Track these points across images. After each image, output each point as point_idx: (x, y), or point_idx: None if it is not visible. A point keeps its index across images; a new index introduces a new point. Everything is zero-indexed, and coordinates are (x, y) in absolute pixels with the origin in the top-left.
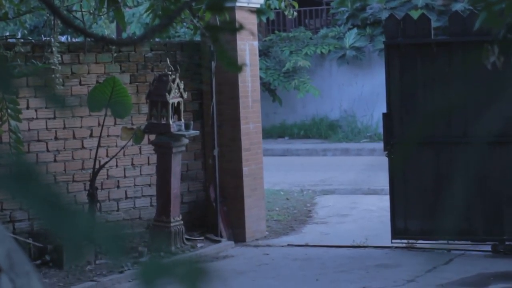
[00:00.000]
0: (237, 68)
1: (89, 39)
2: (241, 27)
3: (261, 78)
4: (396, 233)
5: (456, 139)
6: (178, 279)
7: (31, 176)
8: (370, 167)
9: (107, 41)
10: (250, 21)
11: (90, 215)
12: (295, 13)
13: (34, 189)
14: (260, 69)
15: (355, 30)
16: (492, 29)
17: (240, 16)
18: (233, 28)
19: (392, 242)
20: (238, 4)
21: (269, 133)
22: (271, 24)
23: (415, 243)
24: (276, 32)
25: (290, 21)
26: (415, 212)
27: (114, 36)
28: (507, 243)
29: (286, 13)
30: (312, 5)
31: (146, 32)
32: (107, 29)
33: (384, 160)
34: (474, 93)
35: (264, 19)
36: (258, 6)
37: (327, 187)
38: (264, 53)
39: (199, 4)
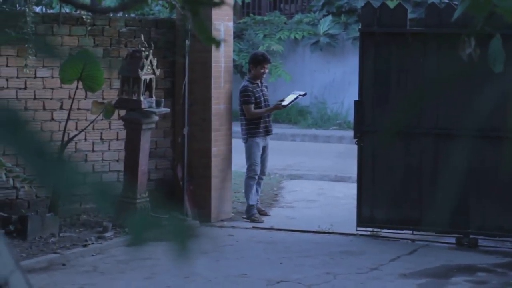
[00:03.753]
0: (216, 42)
1: (64, 11)
2: (221, 2)
3: (233, 61)
4: (361, 221)
5: (427, 130)
6: (168, 235)
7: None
8: (339, 154)
9: (87, 8)
10: (226, 1)
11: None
12: None
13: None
14: (233, 51)
15: (330, 17)
16: (469, 20)
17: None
18: (214, 2)
19: (357, 230)
20: None
21: (239, 115)
22: (246, 7)
23: (380, 231)
24: (251, 15)
25: (265, 5)
26: (382, 201)
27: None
28: (471, 236)
29: None
30: None
31: (128, 1)
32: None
33: (353, 148)
34: (447, 84)
35: (239, 1)
36: None
37: (294, 172)
38: (237, 35)
39: None
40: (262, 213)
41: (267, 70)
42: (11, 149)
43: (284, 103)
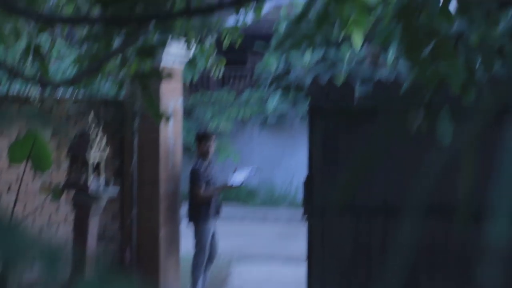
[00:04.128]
0: (164, 117)
1: (12, 93)
2: (169, 75)
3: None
4: None
5: (376, 207)
6: None
7: None
8: (288, 235)
9: (37, 81)
10: (174, 79)
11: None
12: (221, 70)
13: None
14: (182, 129)
15: (278, 94)
16: (418, 94)
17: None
18: (161, 75)
19: None
20: (163, 64)
21: (187, 197)
22: (195, 85)
23: None
24: (200, 91)
25: (214, 82)
26: (331, 281)
27: (37, 90)
28: None
29: (213, 71)
30: (236, 65)
31: (77, 75)
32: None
33: (302, 229)
34: (396, 159)
35: (188, 78)
36: (183, 65)
37: (243, 254)
38: (186, 113)
39: (129, 51)
40: None
41: (213, 145)
42: None
43: (236, 182)
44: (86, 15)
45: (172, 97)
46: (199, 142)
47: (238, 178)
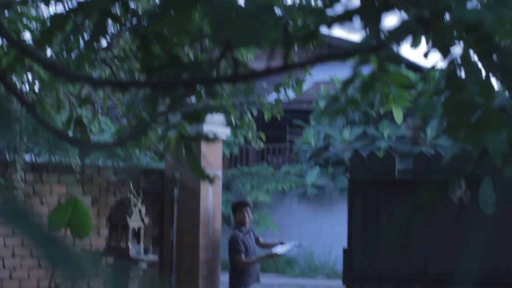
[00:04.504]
0: (209, 178)
1: (53, 160)
2: (215, 138)
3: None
4: None
5: (416, 277)
6: None
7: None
8: None
9: (82, 143)
10: (215, 152)
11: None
12: (262, 145)
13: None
14: (221, 202)
15: (317, 169)
16: (459, 165)
17: (205, 146)
18: (207, 138)
19: None
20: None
21: (226, 265)
22: (234, 159)
23: None
24: (238, 166)
25: (253, 157)
26: None
27: (78, 163)
28: None
29: (253, 144)
30: (275, 141)
31: (121, 138)
32: (72, 153)
33: None
34: (437, 229)
35: (227, 152)
36: (225, 138)
37: None
38: (225, 186)
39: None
40: None
41: (249, 214)
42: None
43: (279, 252)
44: (133, 80)
45: (213, 164)
46: (235, 210)
47: (281, 248)
